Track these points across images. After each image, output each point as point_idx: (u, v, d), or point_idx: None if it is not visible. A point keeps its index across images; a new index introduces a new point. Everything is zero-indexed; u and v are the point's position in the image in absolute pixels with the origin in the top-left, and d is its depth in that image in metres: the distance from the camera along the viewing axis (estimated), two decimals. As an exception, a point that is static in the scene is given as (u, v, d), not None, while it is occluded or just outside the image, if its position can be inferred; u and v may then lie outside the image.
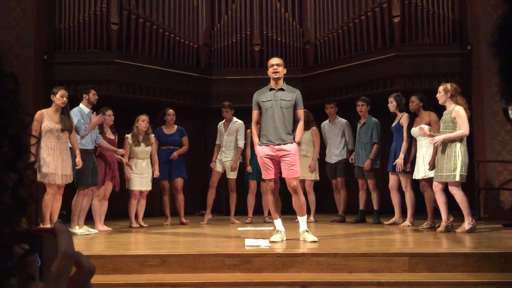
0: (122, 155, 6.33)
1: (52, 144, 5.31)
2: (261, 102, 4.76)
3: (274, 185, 4.71)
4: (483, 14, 7.11)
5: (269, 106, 4.70)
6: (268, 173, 4.70)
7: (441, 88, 5.34)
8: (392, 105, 6.33)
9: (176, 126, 7.02)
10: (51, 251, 0.56)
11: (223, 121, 7.14)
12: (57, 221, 5.18)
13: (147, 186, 6.63)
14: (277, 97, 4.70)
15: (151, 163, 6.71)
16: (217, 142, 7.12)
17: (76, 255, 0.58)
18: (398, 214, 6.45)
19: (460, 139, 5.16)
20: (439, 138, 5.21)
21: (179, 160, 6.89)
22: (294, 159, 4.63)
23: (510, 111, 0.67)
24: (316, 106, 7.86)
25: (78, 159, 5.46)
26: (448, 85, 5.33)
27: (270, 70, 4.76)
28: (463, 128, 5.12)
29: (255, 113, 4.83)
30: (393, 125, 6.38)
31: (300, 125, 4.77)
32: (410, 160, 6.03)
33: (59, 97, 5.36)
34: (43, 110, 5.40)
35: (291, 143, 4.64)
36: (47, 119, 5.32)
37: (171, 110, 7.02)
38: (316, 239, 4.50)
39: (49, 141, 5.30)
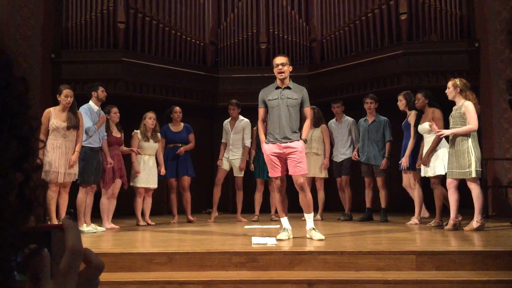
0: (128, 147, 6.41)
1: (58, 142, 5.35)
2: (267, 101, 4.74)
3: (280, 183, 4.71)
4: (491, 11, 7.06)
5: (275, 105, 4.69)
6: (274, 171, 4.69)
7: (450, 84, 5.33)
8: (401, 103, 6.32)
9: (182, 124, 7.03)
10: (60, 247, 0.57)
11: (229, 119, 7.14)
12: (65, 217, 5.21)
13: (153, 184, 6.64)
14: (284, 96, 4.68)
15: (157, 161, 6.73)
16: (223, 141, 7.13)
17: (84, 251, 0.58)
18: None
19: (471, 135, 5.14)
20: (447, 131, 5.22)
21: (186, 158, 6.90)
22: (300, 156, 4.63)
23: None
24: (323, 104, 7.84)
25: (74, 158, 5.43)
26: (457, 81, 5.32)
27: (275, 70, 4.73)
28: (472, 123, 5.10)
29: (261, 111, 4.82)
30: (403, 123, 6.37)
31: (307, 123, 4.77)
32: (420, 157, 6.01)
33: (64, 97, 5.40)
34: (51, 109, 5.44)
35: (298, 140, 4.64)
36: (54, 117, 5.36)
37: (177, 108, 7.03)
38: (323, 237, 4.50)
39: (55, 139, 5.34)
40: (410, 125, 6.19)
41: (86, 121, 5.66)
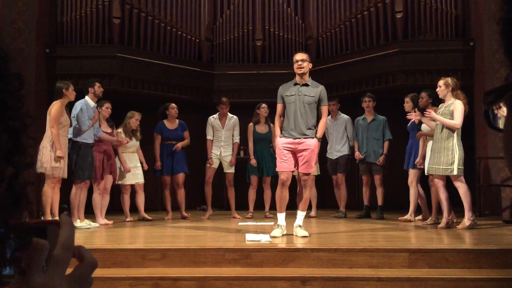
0: (120, 143, 6.37)
1: (65, 138, 5.45)
2: (284, 97, 4.77)
3: (285, 179, 4.69)
4: (486, 10, 7.08)
5: (292, 101, 4.72)
6: (282, 166, 4.68)
7: (441, 82, 5.35)
8: (408, 105, 6.34)
9: (177, 121, 7.00)
10: (55, 243, 0.57)
11: (215, 116, 7.06)
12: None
13: (140, 179, 6.65)
14: (301, 92, 4.72)
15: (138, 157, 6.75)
16: (209, 138, 7.00)
17: (78, 248, 0.58)
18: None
19: (456, 133, 5.17)
20: (434, 115, 5.21)
21: (181, 155, 6.88)
22: (312, 154, 4.68)
23: (492, 114, 0.63)
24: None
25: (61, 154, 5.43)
26: (449, 79, 5.35)
27: (295, 65, 4.75)
28: (457, 121, 5.13)
29: (279, 107, 4.84)
30: (409, 124, 6.40)
31: (323, 121, 4.83)
32: (421, 156, 6.06)
33: (72, 91, 5.50)
34: (60, 102, 5.43)
35: (312, 138, 4.68)
36: (64, 112, 5.42)
37: (173, 104, 6.98)
38: (307, 234, 4.52)
39: (64, 136, 5.43)
40: (415, 126, 6.21)
41: (81, 116, 5.65)
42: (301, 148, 4.65)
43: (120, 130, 6.57)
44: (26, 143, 0.60)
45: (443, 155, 5.16)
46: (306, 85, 4.76)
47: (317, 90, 4.76)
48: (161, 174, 6.86)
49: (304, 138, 4.65)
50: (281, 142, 4.70)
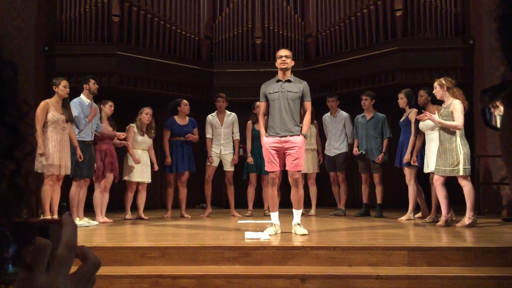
0: (122, 139, 6.32)
1: (58, 135, 5.37)
2: (268, 94, 4.75)
3: (275, 178, 4.70)
4: (485, 8, 7.07)
5: (276, 98, 4.70)
6: (271, 166, 4.69)
7: (436, 84, 5.38)
8: (402, 101, 6.35)
9: (188, 117, 6.97)
10: (57, 242, 0.57)
11: (214, 114, 7.07)
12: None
13: (147, 178, 6.64)
14: (284, 89, 4.70)
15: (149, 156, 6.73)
16: (209, 136, 7.00)
17: (81, 248, 0.58)
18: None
19: (458, 133, 5.18)
20: (436, 117, 5.23)
21: (189, 153, 6.85)
22: (300, 152, 4.65)
23: (489, 113, 0.62)
24: (318, 100, 7.82)
25: (79, 153, 5.50)
26: (443, 80, 5.38)
27: (279, 61, 4.74)
28: (458, 122, 5.14)
29: (262, 105, 4.83)
30: (401, 120, 6.40)
31: (307, 117, 4.79)
32: (416, 154, 6.06)
33: (62, 87, 5.41)
34: (48, 100, 5.41)
35: (298, 135, 4.65)
36: (52, 109, 5.35)
37: (185, 101, 6.94)
38: (306, 232, 4.52)
39: (55, 132, 5.35)
40: (409, 122, 6.22)
41: (76, 114, 5.65)
42: (288, 146, 4.63)
43: (133, 124, 6.58)
44: (25, 132, 0.59)
45: (448, 157, 5.17)
46: (289, 81, 4.74)
47: (300, 85, 4.74)
48: (170, 172, 6.82)
49: (290, 136, 4.62)
50: (267, 143, 4.68)
